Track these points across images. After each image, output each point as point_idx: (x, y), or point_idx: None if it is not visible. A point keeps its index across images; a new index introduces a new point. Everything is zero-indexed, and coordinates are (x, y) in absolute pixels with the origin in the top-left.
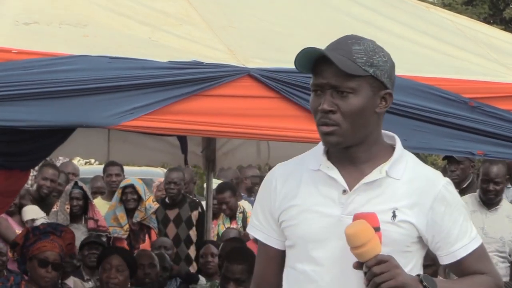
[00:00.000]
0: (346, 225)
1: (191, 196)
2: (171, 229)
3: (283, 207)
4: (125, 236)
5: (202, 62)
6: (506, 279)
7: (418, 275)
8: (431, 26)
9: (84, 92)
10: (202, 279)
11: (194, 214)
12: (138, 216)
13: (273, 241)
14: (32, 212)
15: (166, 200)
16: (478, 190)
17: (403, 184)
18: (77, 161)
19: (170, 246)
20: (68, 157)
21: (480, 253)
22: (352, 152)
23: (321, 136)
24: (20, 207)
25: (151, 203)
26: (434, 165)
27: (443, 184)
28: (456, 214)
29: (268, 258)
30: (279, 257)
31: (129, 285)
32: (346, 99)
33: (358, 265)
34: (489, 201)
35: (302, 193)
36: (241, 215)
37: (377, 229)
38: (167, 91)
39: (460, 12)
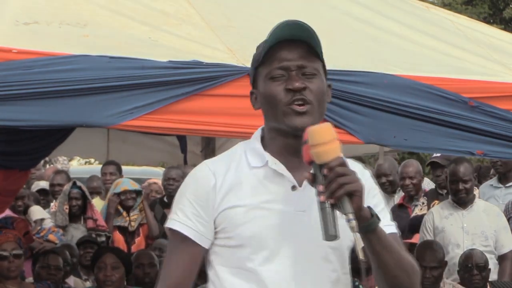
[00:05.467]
0: (301, 221)
1: None
2: None
3: (225, 206)
4: (126, 223)
5: (202, 62)
6: (495, 276)
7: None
8: (431, 26)
9: (84, 91)
10: None
11: None
12: (139, 218)
13: (204, 241)
14: (39, 213)
15: (165, 199)
16: (450, 195)
17: None
18: (77, 161)
19: None
20: (67, 156)
21: (397, 238)
22: (298, 143)
23: (292, 118)
24: (25, 207)
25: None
26: None
27: (360, 166)
28: (377, 199)
29: (193, 259)
30: (202, 258)
31: (125, 283)
32: (312, 80)
33: (311, 176)
34: (461, 200)
35: (247, 191)
36: None
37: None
38: (167, 91)
39: (460, 12)
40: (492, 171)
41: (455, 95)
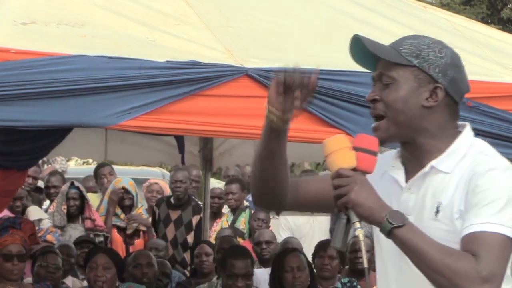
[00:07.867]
0: None
1: (196, 200)
2: (171, 230)
3: None
4: (124, 224)
5: (200, 62)
6: None
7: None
8: (429, 26)
9: (82, 92)
10: None
11: (195, 218)
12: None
13: None
14: (37, 213)
15: (171, 200)
16: None
17: (454, 176)
18: (75, 161)
19: (162, 247)
20: (65, 157)
21: (487, 240)
22: (410, 149)
23: None
24: (23, 208)
25: (141, 212)
26: None
27: (486, 167)
28: (481, 196)
29: None
30: None
31: (117, 284)
32: (387, 89)
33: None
34: None
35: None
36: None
37: (362, 150)
38: (165, 91)
39: (458, 12)
40: None
41: None
